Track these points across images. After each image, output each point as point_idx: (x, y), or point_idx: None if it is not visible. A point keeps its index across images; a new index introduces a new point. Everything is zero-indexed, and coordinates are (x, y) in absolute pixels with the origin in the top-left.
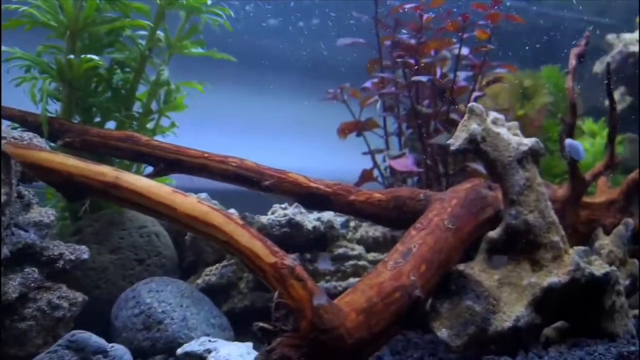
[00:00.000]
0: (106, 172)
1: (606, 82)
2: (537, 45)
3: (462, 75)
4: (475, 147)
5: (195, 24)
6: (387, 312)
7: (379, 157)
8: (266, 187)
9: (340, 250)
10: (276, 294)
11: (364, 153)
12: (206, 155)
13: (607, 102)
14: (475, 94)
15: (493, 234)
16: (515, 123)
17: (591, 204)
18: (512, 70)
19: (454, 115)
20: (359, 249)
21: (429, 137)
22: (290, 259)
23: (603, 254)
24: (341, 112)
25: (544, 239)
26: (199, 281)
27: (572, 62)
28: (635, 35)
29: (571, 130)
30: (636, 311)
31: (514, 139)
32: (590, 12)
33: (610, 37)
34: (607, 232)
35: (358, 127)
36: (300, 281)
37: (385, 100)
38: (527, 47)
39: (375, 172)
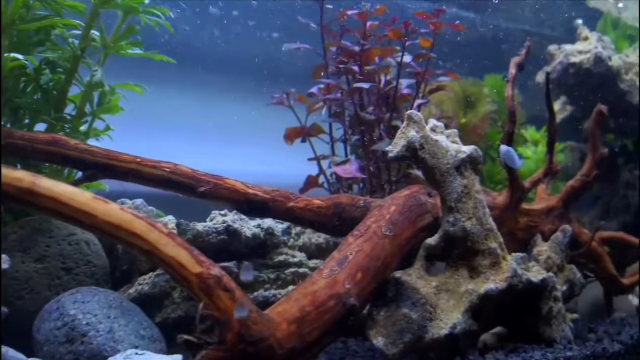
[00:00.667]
0: (22, 177)
1: (545, 91)
2: (484, 55)
3: (404, 82)
4: (413, 155)
5: (131, 24)
6: (320, 321)
7: (325, 163)
8: (201, 194)
9: (281, 258)
10: (201, 305)
11: (310, 159)
12: (138, 160)
13: None
14: (419, 101)
15: (431, 240)
16: (455, 131)
17: (530, 210)
18: (454, 79)
19: (397, 122)
20: (300, 256)
21: (372, 144)
22: (218, 269)
23: (541, 260)
24: (294, 115)
25: (482, 246)
26: (131, 291)
27: (512, 71)
28: (576, 46)
29: (510, 138)
30: (575, 315)
31: (452, 146)
32: (537, 23)
33: (552, 47)
34: (546, 239)
35: (303, 133)
36: (227, 291)
37: (331, 106)
38: (475, 57)
39: (322, 178)
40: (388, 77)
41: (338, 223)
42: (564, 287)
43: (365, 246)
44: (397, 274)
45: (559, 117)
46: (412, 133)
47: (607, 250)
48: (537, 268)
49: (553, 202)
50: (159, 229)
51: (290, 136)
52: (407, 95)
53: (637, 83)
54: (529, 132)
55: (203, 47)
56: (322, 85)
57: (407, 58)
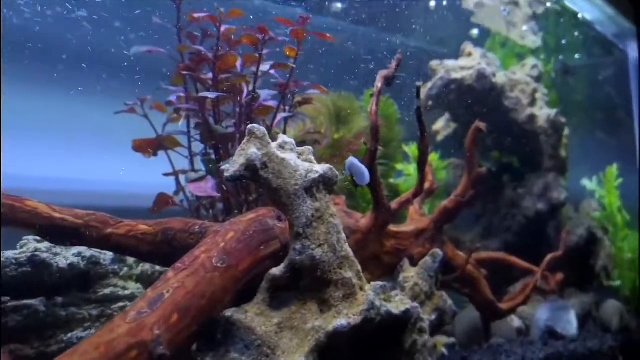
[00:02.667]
0: None
1: (415, 107)
2: (374, 70)
3: (265, 94)
4: (253, 174)
5: None
6: None
7: (183, 179)
8: None
9: (107, 291)
10: None
11: (165, 174)
12: None
13: (434, 127)
14: (282, 114)
15: (276, 270)
16: (309, 148)
17: (398, 233)
18: (323, 92)
19: None
20: (134, 288)
21: (228, 159)
22: None
23: (407, 288)
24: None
25: (335, 276)
26: None
27: (378, 84)
28: (459, 62)
29: (373, 156)
30: (451, 339)
31: (303, 165)
32: (432, 41)
33: (434, 63)
34: (415, 263)
35: (155, 145)
36: None
37: (190, 117)
38: (364, 72)
39: (181, 196)
40: (250, 88)
41: (169, 252)
42: (433, 317)
43: (188, 281)
44: (229, 312)
45: (443, 134)
46: (253, 150)
47: (485, 273)
48: (401, 298)
49: (424, 224)
50: None
51: (140, 148)
52: (269, 108)
53: (523, 100)
54: (411, 149)
55: (53, 43)
56: (181, 94)
57: (265, 67)
